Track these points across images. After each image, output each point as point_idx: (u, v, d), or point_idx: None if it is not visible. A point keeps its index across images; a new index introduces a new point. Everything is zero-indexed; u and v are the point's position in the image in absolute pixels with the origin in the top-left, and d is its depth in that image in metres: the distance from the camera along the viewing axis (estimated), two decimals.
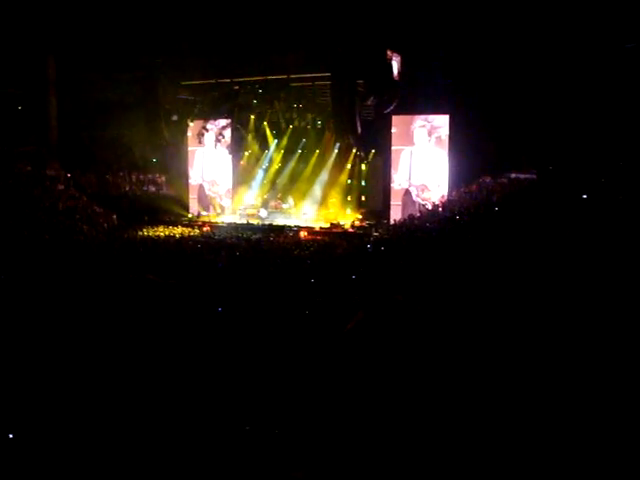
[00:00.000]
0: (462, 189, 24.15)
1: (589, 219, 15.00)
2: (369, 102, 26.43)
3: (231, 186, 32.68)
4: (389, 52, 24.96)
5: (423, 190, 26.51)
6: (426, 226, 20.60)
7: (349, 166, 30.63)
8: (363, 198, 30.30)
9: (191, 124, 31.01)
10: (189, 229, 28.00)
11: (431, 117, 26.29)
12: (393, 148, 26.93)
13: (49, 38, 28.75)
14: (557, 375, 6.41)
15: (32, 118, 30.30)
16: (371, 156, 29.73)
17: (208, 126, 30.81)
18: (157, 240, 23.83)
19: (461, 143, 25.23)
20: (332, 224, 27.75)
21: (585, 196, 16.69)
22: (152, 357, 8.69)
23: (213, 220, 30.55)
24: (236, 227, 28.17)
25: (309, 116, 30.76)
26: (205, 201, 32.91)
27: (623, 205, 15.58)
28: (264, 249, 21.30)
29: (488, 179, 23.67)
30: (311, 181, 31.33)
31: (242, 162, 33.22)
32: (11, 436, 5.52)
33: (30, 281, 14.85)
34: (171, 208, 31.65)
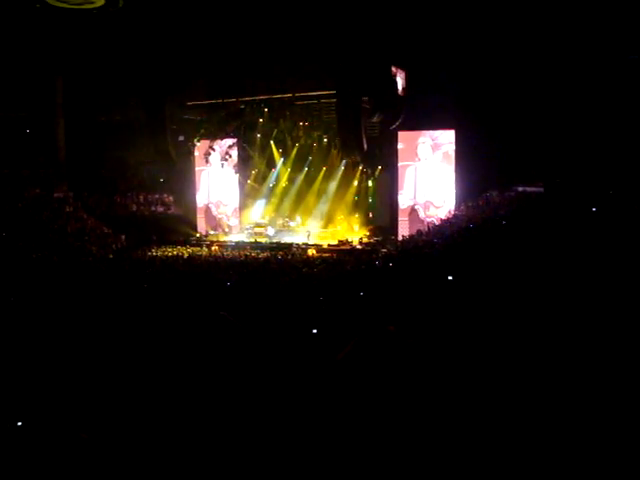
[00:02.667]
0: (469, 204, 24.12)
1: (598, 232, 14.93)
2: (375, 119, 26.51)
3: (238, 205, 32.76)
4: (394, 68, 25.04)
5: (428, 207, 26.50)
6: (433, 242, 20.55)
7: (356, 183, 30.72)
8: (370, 214, 30.33)
9: (198, 144, 31.15)
10: (197, 248, 28.06)
11: (437, 132, 26.34)
12: (399, 164, 26.96)
13: (57, 60, 28.99)
14: (561, 398, 6.40)
15: (40, 140, 30.52)
16: (377, 172, 29.78)
17: (215, 146, 30.92)
18: (166, 260, 23.88)
19: (467, 158, 25.22)
20: (340, 241, 27.75)
21: (594, 209, 16.63)
22: (157, 367, 8.72)
23: (221, 239, 30.60)
24: (244, 246, 28.21)
25: (315, 134, 30.89)
26: (213, 220, 32.99)
27: (632, 217, 15.52)
28: (272, 267, 21.29)
29: (495, 193, 23.63)
30: (318, 198, 31.39)
31: (249, 181, 33.31)
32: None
33: (40, 303, 14.89)
34: (179, 228, 31.73)
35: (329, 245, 27.35)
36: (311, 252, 25.93)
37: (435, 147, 26.35)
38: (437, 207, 26.39)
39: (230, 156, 31.01)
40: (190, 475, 5.39)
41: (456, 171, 25.90)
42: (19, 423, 6.23)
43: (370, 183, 30.36)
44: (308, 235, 29.12)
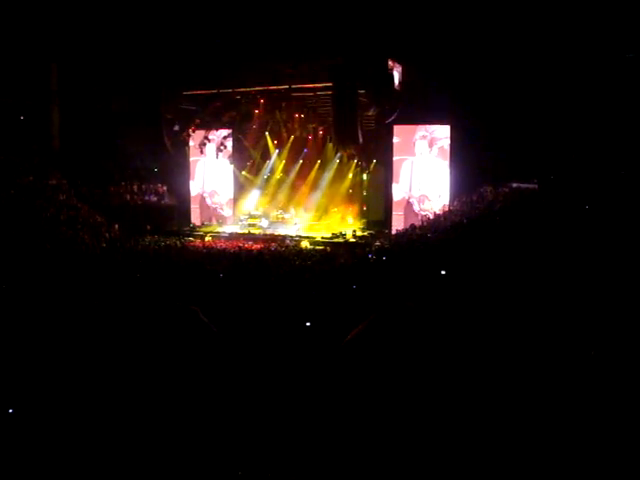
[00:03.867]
0: (463, 199, 24.16)
1: (591, 228, 14.97)
2: (371, 112, 26.50)
3: (232, 196, 32.72)
4: (390, 62, 25.02)
5: (423, 201, 26.53)
6: (427, 236, 20.58)
7: (350, 176, 30.69)
8: (365, 208, 30.33)
9: (193, 134, 31.06)
10: (191, 239, 28.00)
11: (432, 127, 26.35)
12: (395, 158, 26.96)
13: (52, 47, 28.84)
14: (562, 379, 6.38)
15: (34, 127, 30.36)
16: (372, 166, 29.76)
17: (210, 136, 30.83)
18: (159, 250, 23.82)
19: (462, 153, 25.25)
20: (334, 234, 27.72)
21: (587, 206, 16.68)
22: (146, 366, 8.63)
23: (215, 230, 30.54)
24: (238, 237, 28.18)
25: (310, 126, 30.83)
26: (207, 211, 32.94)
27: (625, 214, 15.56)
28: (265, 259, 21.28)
29: (489, 189, 23.67)
30: (313, 191, 31.37)
31: (244, 172, 33.24)
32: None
33: (32, 291, 14.83)
34: (173, 218, 31.69)
35: (323, 238, 27.33)
36: (304, 245, 25.90)
37: (431, 142, 26.35)
38: (431, 201, 26.41)
39: (225, 147, 30.95)
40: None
41: (451, 166, 25.93)
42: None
43: (365, 176, 30.33)
44: (297, 228, 29.16)
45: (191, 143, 31.86)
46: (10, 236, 21.51)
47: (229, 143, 31.22)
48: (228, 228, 31.03)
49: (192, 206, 33.08)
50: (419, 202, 26.66)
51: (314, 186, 31.47)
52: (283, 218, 30.97)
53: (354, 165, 30.38)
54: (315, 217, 30.93)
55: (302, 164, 32.10)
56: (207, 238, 28.21)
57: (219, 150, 30.85)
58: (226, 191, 32.74)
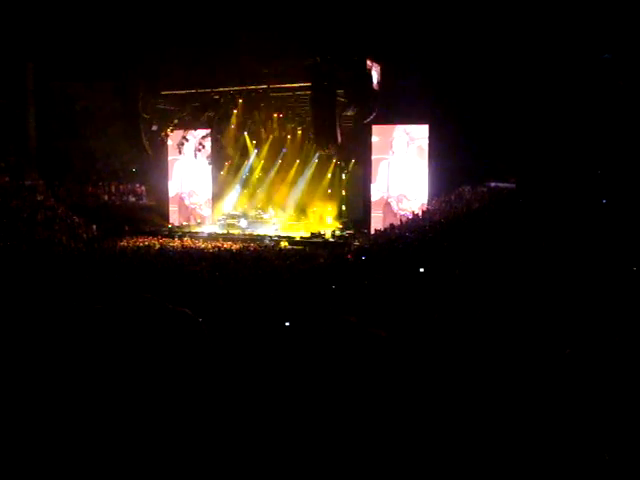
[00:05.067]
0: (442, 198, 24.27)
1: (568, 227, 15.13)
2: (349, 112, 26.53)
3: (211, 196, 32.64)
4: (369, 62, 25.08)
5: (402, 200, 26.63)
6: (406, 236, 20.65)
7: (329, 176, 30.70)
8: (344, 207, 30.36)
9: (171, 134, 30.91)
10: (169, 239, 27.86)
11: (411, 127, 26.45)
12: (373, 157, 27.04)
13: (28, 46, 28.57)
14: (544, 376, 6.42)
15: (10, 127, 30.04)
16: (351, 166, 29.81)
17: (188, 136, 30.69)
18: (137, 251, 23.69)
19: (441, 152, 25.37)
20: (313, 234, 27.71)
21: (564, 205, 16.84)
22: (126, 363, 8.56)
23: (193, 230, 30.42)
24: (217, 237, 28.10)
25: (289, 126, 30.81)
26: (185, 211, 32.82)
27: (602, 213, 15.74)
28: (244, 259, 21.25)
29: (467, 188, 23.79)
30: (291, 191, 31.37)
31: (222, 172, 33.15)
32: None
33: (6, 291, 14.68)
34: (151, 218, 31.53)
35: (302, 237, 27.32)
36: (284, 244, 25.89)
37: (409, 141, 26.45)
38: (410, 200, 26.51)
39: (203, 147, 30.81)
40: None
41: (429, 165, 26.05)
42: None
43: (343, 176, 30.36)
44: (276, 227, 29.18)
45: (169, 143, 31.71)
46: None
47: (207, 143, 31.10)
48: (207, 228, 30.93)
49: (170, 206, 32.93)
50: (397, 202, 26.76)
51: (293, 186, 31.45)
52: (262, 218, 30.88)
53: (333, 165, 30.39)
54: (294, 217, 30.93)
55: (281, 164, 32.08)
56: (186, 238, 28.08)
57: (197, 150, 30.72)
58: (205, 191, 32.65)
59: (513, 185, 22.30)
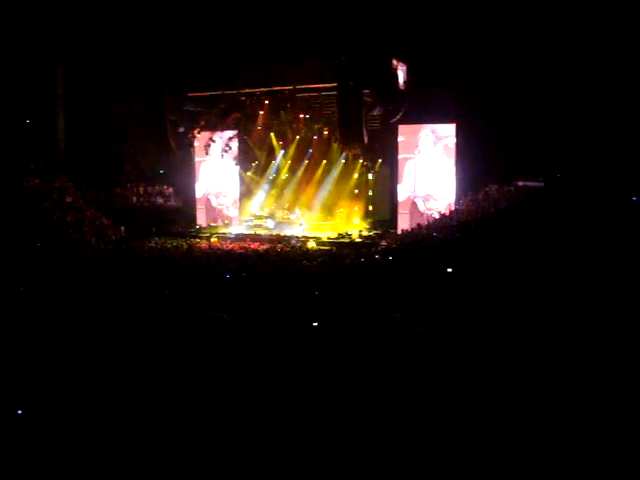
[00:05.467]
0: (469, 198, 24.12)
1: (598, 226, 14.94)
2: (375, 112, 26.50)
3: (238, 197, 32.76)
4: (395, 61, 25.02)
5: (428, 200, 26.50)
6: (433, 236, 20.56)
7: (356, 176, 30.67)
8: (370, 208, 30.29)
9: (198, 135, 31.14)
10: (197, 240, 28.02)
11: (437, 126, 26.32)
12: (400, 157, 26.96)
13: (57, 50, 28.92)
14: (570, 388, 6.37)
15: (40, 130, 30.45)
16: (378, 166, 29.74)
17: (215, 137, 30.88)
18: (165, 252, 23.87)
19: (468, 151, 25.21)
20: (339, 234, 27.70)
21: (594, 204, 16.64)
22: (152, 362, 8.65)
23: (220, 231, 30.55)
24: (243, 238, 28.21)
25: (315, 126, 30.81)
26: (212, 212, 32.98)
27: (633, 212, 15.52)
28: (271, 260, 21.29)
29: (495, 187, 23.63)
30: (318, 191, 31.38)
31: (249, 173, 33.27)
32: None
33: (39, 293, 14.88)
34: (179, 219, 31.76)
35: (328, 238, 27.33)
36: (310, 245, 25.91)
37: (436, 140, 26.32)
38: (437, 200, 26.38)
39: (230, 148, 30.97)
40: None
41: (456, 164, 25.90)
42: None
43: (370, 176, 30.28)
44: (303, 228, 29.21)
45: (196, 144, 31.93)
46: (17, 239, 21.59)
47: (234, 144, 31.24)
48: (234, 229, 31.04)
49: (197, 207, 33.12)
50: (424, 201, 26.64)
51: (319, 186, 31.45)
52: (289, 219, 30.94)
53: (359, 165, 30.35)
54: (321, 217, 30.94)
55: (307, 164, 32.09)
56: (213, 239, 28.22)
57: (224, 151, 30.88)
58: (231, 192, 32.77)
59: (542, 184, 22.09)
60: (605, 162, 19.72)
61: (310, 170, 32.04)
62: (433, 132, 26.39)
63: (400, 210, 27.17)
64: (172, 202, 33.61)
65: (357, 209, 30.47)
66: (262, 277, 17.49)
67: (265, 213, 31.72)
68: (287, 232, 28.91)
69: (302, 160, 32.18)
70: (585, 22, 21.98)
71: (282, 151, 32.67)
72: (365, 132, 25.52)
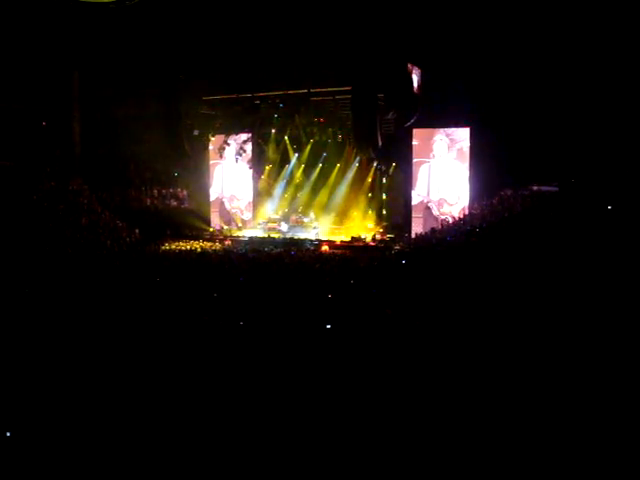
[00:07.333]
0: (483, 202, 24.05)
1: (613, 231, 14.86)
2: (390, 116, 26.49)
3: (252, 200, 32.82)
4: (409, 65, 25.01)
5: (442, 204, 26.43)
6: (447, 240, 20.52)
7: (370, 180, 30.65)
8: (384, 211, 30.24)
9: (212, 138, 31.27)
10: (211, 243, 28.10)
11: (452, 130, 26.26)
12: (414, 161, 26.90)
13: (74, 55, 29.12)
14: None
15: (56, 133, 30.66)
16: (392, 169, 29.70)
17: (229, 140, 30.99)
18: (179, 254, 23.96)
19: (482, 156, 25.12)
20: (353, 238, 27.69)
21: (609, 207, 16.55)
22: (165, 362, 8.74)
23: (234, 234, 30.63)
24: (257, 241, 28.26)
25: (330, 130, 30.84)
26: (226, 215, 33.06)
27: None
28: (285, 263, 21.31)
29: (509, 192, 23.54)
30: (332, 195, 31.38)
31: (263, 176, 33.33)
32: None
33: (54, 294, 15.00)
34: (193, 222, 31.82)
35: (342, 241, 27.33)
36: (324, 248, 25.93)
37: (450, 144, 26.26)
38: (451, 205, 26.31)
39: (244, 151, 31.08)
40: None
41: (470, 169, 25.81)
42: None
43: (384, 180, 30.25)
44: (317, 231, 29.23)
45: (210, 147, 32.06)
46: (33, 241, 21.75)
47: (248, 147, 31.35)
48: (248, 232, 31.09)
49: (212, 210, 33.21)
50: (438, 206, 26.57)
51: (333, 190, 31.44)
52: (302, 222, 30.93)
53: (373, 169, 30.34)
54: (334, 221, 30.92)
55: (321, 168, 32.10)
56: (227, 242, 28.30)
57: (238, 154, 30.98)
58: (245, 195, 32.83)
59: (556, 188, 22.00)
60: (620, 167, 19.61)
61: (324, 174, 32.03)
62: (447, 136, 26.32)
63: (414, 214, 27.09)
64: (186, 205, 33.74)
65: (371, 213, 30.44)
66: (276, 280, 17.53)
67: (279, 216, 31.75)
68: (301, 235, 28.93)
69: (316, 164, 32.19)
70: (600, 28, 21.87)
71: (296, 154, 32.71)
72: (379, 136, 25.53)
